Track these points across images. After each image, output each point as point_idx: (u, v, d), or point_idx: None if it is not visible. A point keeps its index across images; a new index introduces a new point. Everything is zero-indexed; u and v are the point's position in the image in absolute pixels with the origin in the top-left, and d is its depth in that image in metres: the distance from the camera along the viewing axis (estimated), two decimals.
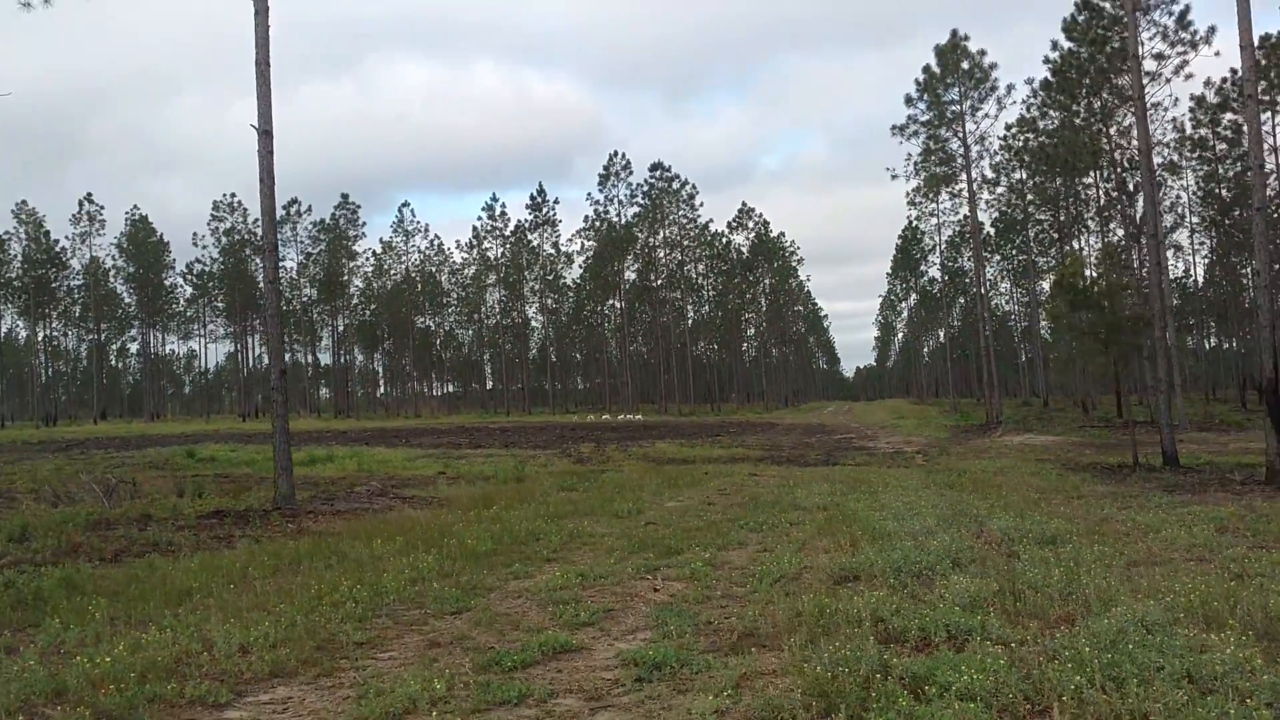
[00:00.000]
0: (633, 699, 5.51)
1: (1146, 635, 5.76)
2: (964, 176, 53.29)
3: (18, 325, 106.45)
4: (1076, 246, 72.18)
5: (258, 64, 16.50)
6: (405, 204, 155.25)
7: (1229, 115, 57.23)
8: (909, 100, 51.76)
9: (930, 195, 62.50)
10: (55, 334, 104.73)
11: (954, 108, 51.87)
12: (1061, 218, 65.96)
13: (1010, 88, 52.33)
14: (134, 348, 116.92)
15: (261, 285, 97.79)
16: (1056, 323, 25.40)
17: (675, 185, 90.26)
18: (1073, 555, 8.70)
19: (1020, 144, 61.77)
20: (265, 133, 16.05)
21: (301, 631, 7.05)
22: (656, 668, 5.93)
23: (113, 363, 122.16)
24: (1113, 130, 46.53)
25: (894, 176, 56.70)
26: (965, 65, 52.02)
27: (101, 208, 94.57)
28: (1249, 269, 73.45)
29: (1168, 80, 42.36)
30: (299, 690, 6.00)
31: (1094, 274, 23.57)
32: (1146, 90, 43.32)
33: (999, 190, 68.59)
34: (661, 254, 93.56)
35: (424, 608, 8.03)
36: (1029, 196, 68.44)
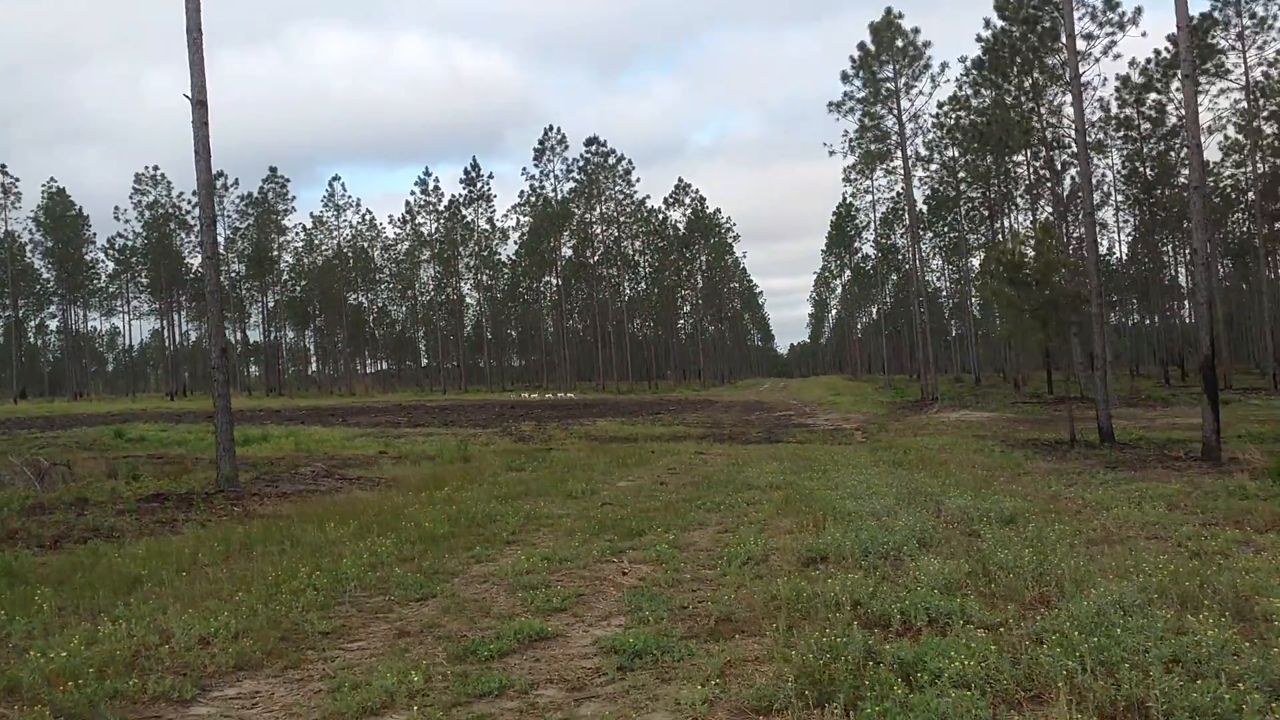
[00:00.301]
0: (617, 689, 5.40)
1: (1125, 617, 5.79)
2: (899, 154, 53.75)
3: None
4: (1006, 224, 73.60)
5: (189, 31, 15.97)
6: (336, 178, 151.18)
7: (1153, 95, 58.43)
8: (845, 77, 52.03)
9: (865, 172, 62.95)
10: None
11: (889, 85, 52.21)
12: (992, 195, 66.92)
13: (944, 66, 53.01)
14: (53, 325, 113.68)
15: (189, 260, 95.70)
16: (994, 299, 25.72)
17: (611, 160, 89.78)
18: (1035, 535, 8.76)
19: (953, 122, 62.50)
20: (200, 103, 15.55)
21: (263, 621, 6.83)
22: (637, 655, 5.82)
23: (31, 340, 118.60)
24: (1043, 109, 47.22)
25: (831, 153, 57.06)
26: (899, 43, 52.37)
27: (16, 180, 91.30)
28: (1170, 246, 75.49)
29: (1096, 60, 43.08)
30: (266, 684, 5.80)
31: (1027, 250, 23.86)
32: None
33: (932, 168, 69.30)
34: (598, 230, 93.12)
35: (388, 594, 7.84)
36: (961, 174, 69.30)
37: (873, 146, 55.40)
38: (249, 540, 10.29)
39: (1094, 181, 65.23)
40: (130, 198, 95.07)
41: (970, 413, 39.05)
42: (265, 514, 12.80)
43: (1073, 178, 59.59)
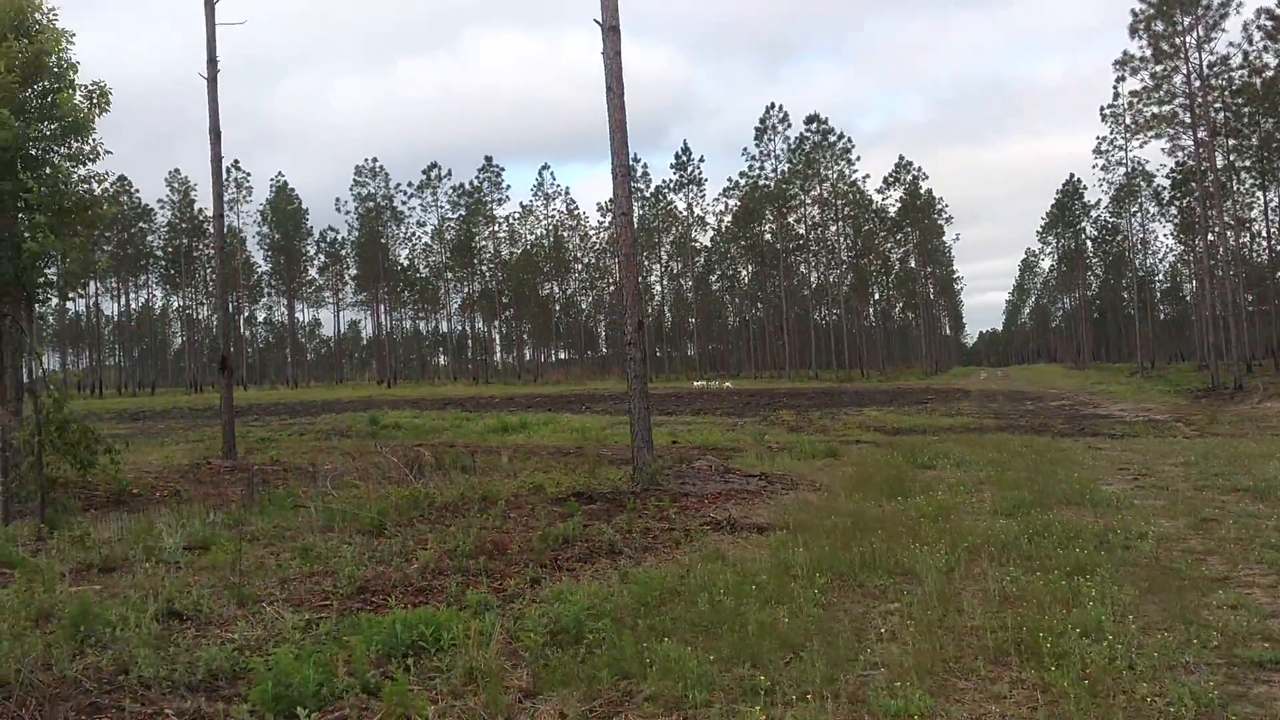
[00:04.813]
0: None
1: None
2: (1187, 117, 48.31)
3: (154, 295, 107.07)
4: (1267, 197, 66.66)
5: None
6: (545, 166, 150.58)
7: None
8: (1133, 30, 46.90)
9: (1146, 135, 56.81)
10: (189, 302, 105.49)
11: (1178, 39, 46.85)
12: (1275, 163, 60.27)
13: (1261, 11, 46.66)
14: (261, 315, 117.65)
15: (396, 252, 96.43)
16: None
17: (831, 139, 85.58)
18: None
19: (1224, 84, 56.26)
20: (612, 29, 13.06)
21: None
22: None
23: (242, 331, 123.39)
24: None
25: (1103, 118, 51.99)
26: None
27: (248, 174, 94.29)
28: None
29: None
30: None
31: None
32: None
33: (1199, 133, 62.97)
34: (815, 212, 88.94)
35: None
36: (1232, 141, 62.54)
37: (1158, 109, 49.88)
38: (837, 565, 7.54)
39: None
40: (350, 189, 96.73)
41: None
42: (748, 523, 10.14)
43: None
